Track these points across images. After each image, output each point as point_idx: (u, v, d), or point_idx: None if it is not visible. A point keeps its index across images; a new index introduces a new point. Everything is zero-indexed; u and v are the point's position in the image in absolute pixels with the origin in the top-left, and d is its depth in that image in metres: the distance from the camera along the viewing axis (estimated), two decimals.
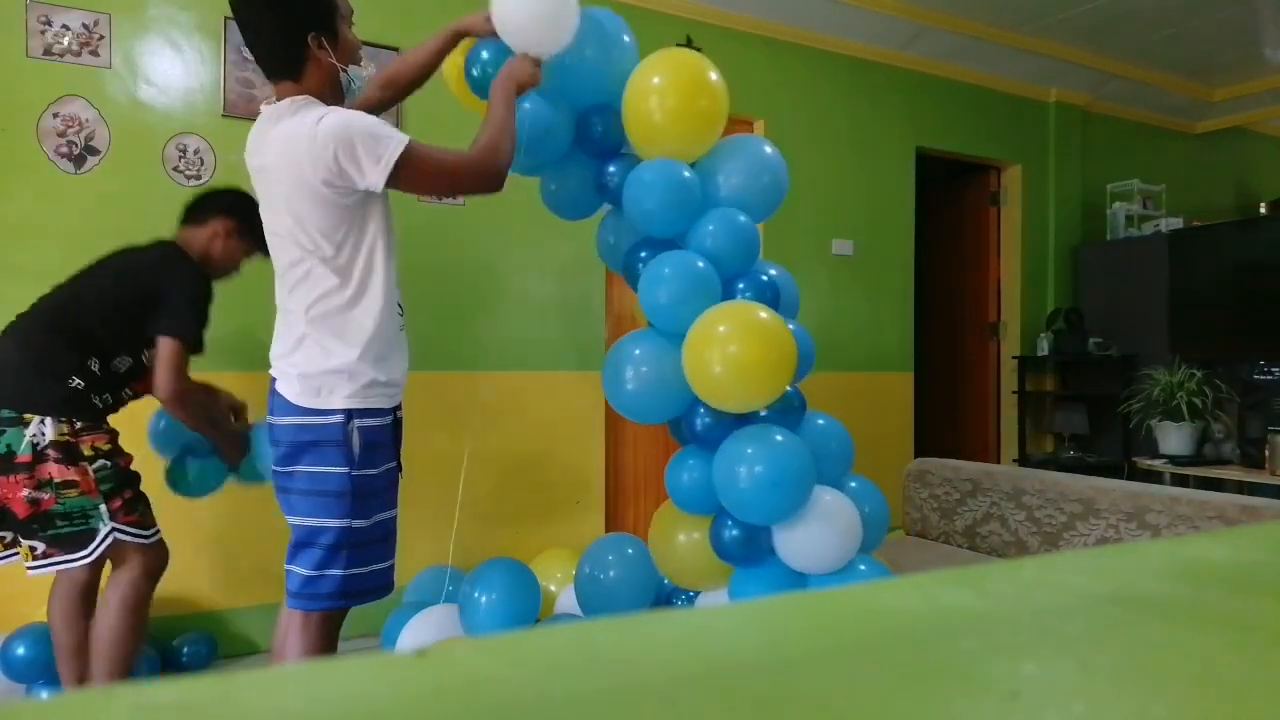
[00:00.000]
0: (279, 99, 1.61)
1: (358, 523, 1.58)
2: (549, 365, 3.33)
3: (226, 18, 2.77)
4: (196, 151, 2.75)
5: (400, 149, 1.52)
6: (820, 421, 1.91)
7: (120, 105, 2.66)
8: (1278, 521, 0.86)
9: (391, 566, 1.68)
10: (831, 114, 4.03)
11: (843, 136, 4.05)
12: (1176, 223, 4.59)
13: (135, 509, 1.95)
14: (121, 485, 1.93)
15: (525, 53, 1.77)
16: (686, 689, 0.25)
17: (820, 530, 1.72)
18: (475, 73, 1.86)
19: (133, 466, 2.01)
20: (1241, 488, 3.46)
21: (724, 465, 1.73)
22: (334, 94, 1.64)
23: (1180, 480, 3.69)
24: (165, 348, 1.88)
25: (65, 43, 2.58)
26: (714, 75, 1.87)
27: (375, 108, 1.86)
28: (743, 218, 1.86)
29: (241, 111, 2.81)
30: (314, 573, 1.57)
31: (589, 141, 1.96)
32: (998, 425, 4.76)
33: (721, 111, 1.89)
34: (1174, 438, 3.83)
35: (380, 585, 1.65)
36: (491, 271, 3.21)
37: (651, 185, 1.81)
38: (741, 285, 1.86)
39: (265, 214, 1.65)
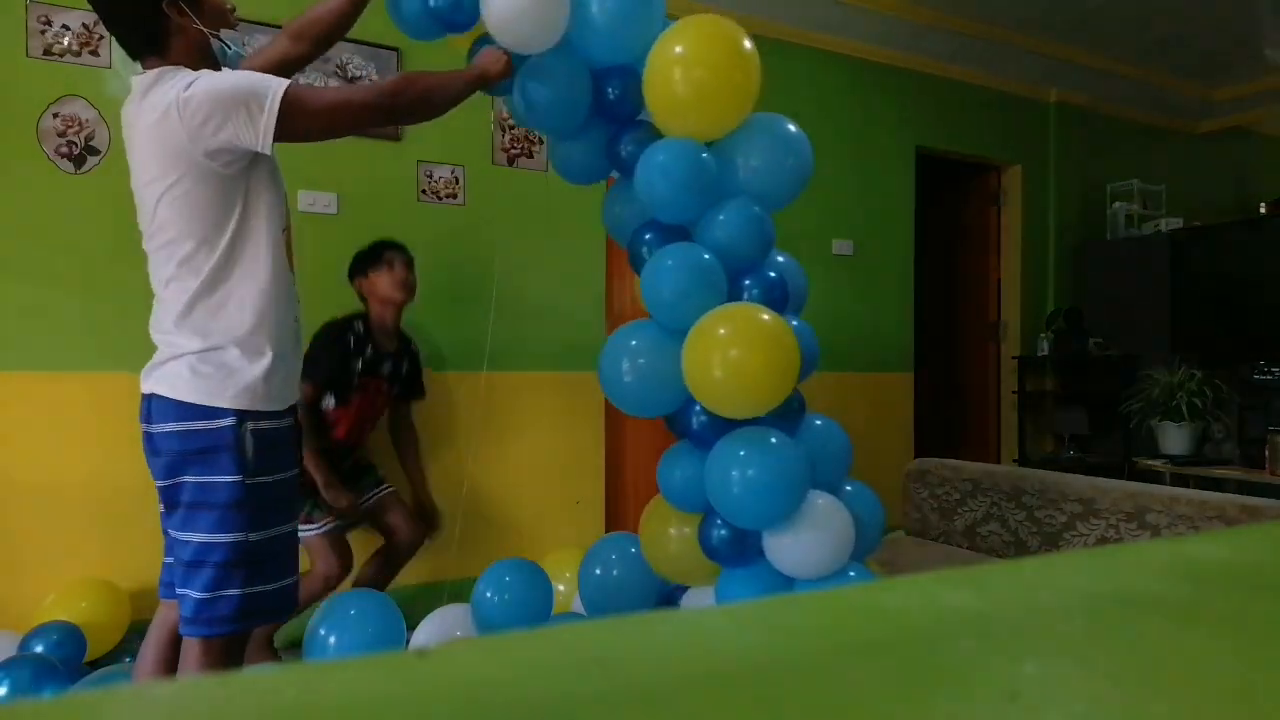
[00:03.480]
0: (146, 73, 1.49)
1: (254, 536, 1.42)
2: (549, 365, 3.33)
3: None
4: None
5: (281, 92, 1.42)
6: (818, 423, 1.86)
7: (120, 105, 2.65)
8: (1278, 521, 0.86)
9: (296, 584, 1.52)
10: (831, 114, 4.03)
11: (843, 136, 4.05)
12: (1176, 223, 4.60)
13: None
14: None
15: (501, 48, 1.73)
16: (686, 689, 0.25)
17: (812, 537, 1.67)
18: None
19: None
20: (1241, 488, 3.46)
21: (717, 467, 1.67)
22: (206, 64, 1.51)
23: (1180, 480, 3.69)
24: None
25: (65, 43, 2.58)
26: (747, 44, 1.70)
27: (292, 64, 1.73)
28: (757, 209, 1.76)
29: None
30: (209, 595, 1.41)
31: (603, 106, 1.85)
32: (998, 425, 4.76)
33: (754, 86, 1.73)
34: (1174, 438, 3.83)
35: (282, 605, 1.49)
36: (492, 271, 3.21)
37: (666, 169, 1.69)
38: (748, 282, 1.78)
39: (136, 190, 1.51)
